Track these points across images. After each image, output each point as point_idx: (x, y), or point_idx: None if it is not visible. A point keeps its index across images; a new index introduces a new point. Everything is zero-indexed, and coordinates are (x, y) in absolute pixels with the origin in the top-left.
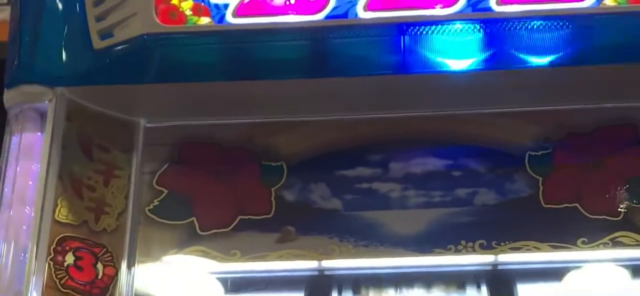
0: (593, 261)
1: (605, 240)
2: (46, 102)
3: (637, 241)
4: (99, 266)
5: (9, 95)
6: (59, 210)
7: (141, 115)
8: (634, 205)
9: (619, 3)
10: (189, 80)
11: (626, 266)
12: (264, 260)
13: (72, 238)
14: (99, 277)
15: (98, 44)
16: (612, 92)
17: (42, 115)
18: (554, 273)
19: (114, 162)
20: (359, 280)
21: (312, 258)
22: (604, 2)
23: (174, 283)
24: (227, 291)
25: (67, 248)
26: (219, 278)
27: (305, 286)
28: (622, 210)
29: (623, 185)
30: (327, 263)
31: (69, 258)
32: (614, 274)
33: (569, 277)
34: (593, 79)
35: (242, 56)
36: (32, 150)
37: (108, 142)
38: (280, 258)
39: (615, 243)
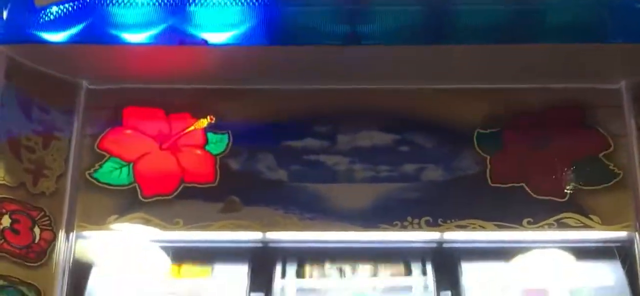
0: (538, 241)
1: (551, 220)
2: None
3: (582, 222)
4: (36, 230)
5: None
6: None
7: (84, 77)
8: (579, 187)
9: None
10: (132, 42)
11: (570, 248)
12: (207, 229)
13: (8, 200)
14: (36, 241)
15: (40, 1)
16: (561, 73)
17: None
18: (499, 253)
19: (55, 123)
20: (303, 253)
21: (257, 229)
22: None
23: (114, 250)
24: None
25: (4, 210)
26: (160, 247)
27: (249, 258)
28: (568, 191)
29: (569, 166)
30: (271, 235)
31: (5, 221)
32: (558, 255)
33: (513, 257)
34: (543, 59)
35: (184, 21)
36: None
37: (49, 102)
38: (224, 228)
39: (561, 224)
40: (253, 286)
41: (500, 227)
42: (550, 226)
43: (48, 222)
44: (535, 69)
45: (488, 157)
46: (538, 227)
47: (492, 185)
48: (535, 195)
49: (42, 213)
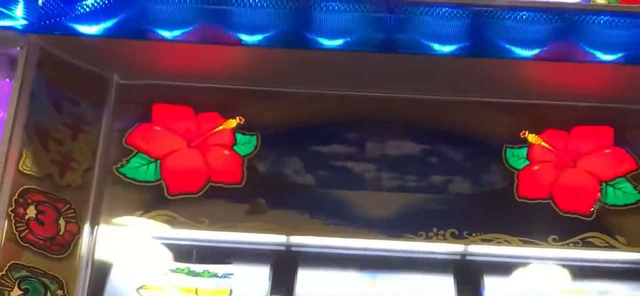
0: (562, 259)
1: (576, 239)
2: (17, 48)
3: (607, 243)
4: (61, 222)
5: None
6: (24, 161)
7: (115, 71)
8: (606, 207)
9: (610, 2)
10: (166, 38)
11: (595, 268)
12: (232, 230)
13: (35, 190)
14: (61, 233)
15: None
16: (592, 92)
17: (12, 62)
18: (523, 268)
19: (84, 116)
20: (326, 259)
21: (281, 233)
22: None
23: (137, 246)
24: (191, 259)
25: (30, 201)
26: (183, 245)
27: (271, 261)
28: (594, 210)
29: (597, 185)
30: (295, 239)
31: (31, 212)
32: (582, 274)
33: (537, 273)
34: (575, 77)
35: (220, 20)
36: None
37: (79, 95)
38: (249, 229)
39: (586, 244)
40: (274, 289)
41: (526, 243)
42: (575, 244)
43: (73, 214)
44: (567, 86)
45: (516, 172)
46: (563, 245)
47: (519, 200)
48: (561, 213)
49: (68, 205)
